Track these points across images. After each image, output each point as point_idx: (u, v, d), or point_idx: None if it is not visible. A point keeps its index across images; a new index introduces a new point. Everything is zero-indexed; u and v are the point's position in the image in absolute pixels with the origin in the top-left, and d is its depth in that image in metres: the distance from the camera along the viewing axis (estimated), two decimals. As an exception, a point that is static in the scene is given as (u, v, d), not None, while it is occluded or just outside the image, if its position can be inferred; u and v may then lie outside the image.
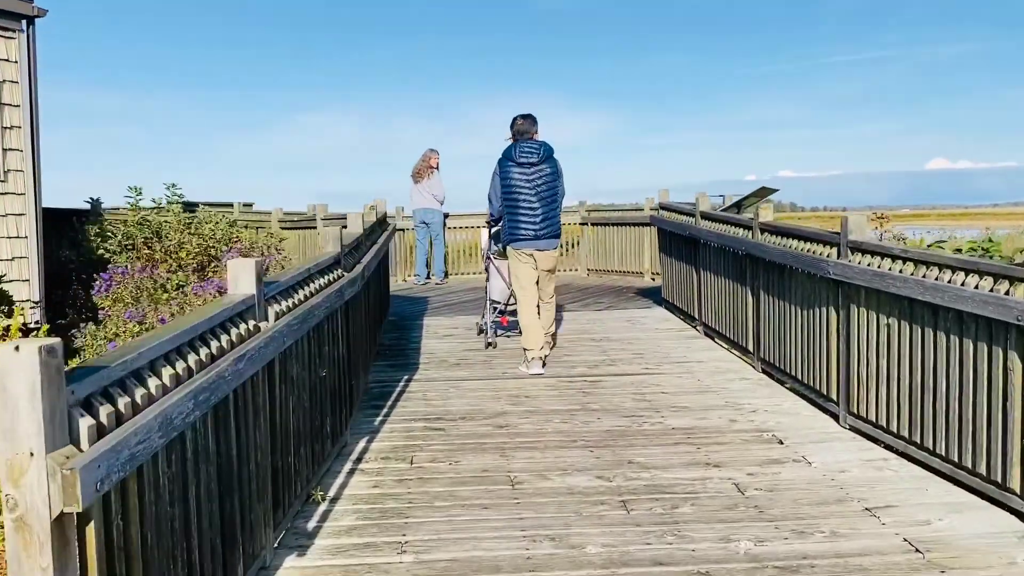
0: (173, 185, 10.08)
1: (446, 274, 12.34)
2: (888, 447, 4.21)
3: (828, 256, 4.72)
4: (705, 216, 7.07)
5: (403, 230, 12.53)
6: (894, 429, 4.14)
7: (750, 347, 6.13)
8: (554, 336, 6.73)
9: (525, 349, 6.05)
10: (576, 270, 12.73)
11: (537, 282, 6.11)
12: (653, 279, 11.12)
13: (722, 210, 8.17)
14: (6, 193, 7.07)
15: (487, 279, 7.14)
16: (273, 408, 3.17)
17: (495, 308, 7.02)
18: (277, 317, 3.23)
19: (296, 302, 3.61)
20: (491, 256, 7.04)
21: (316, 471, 3.84)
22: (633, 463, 4.10)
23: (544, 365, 6.05)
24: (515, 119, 6.16)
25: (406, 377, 6.01)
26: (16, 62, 7.08)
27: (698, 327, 7.39)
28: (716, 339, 6.92)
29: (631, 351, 6.67)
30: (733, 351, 6.53)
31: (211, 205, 14.74)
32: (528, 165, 5.94)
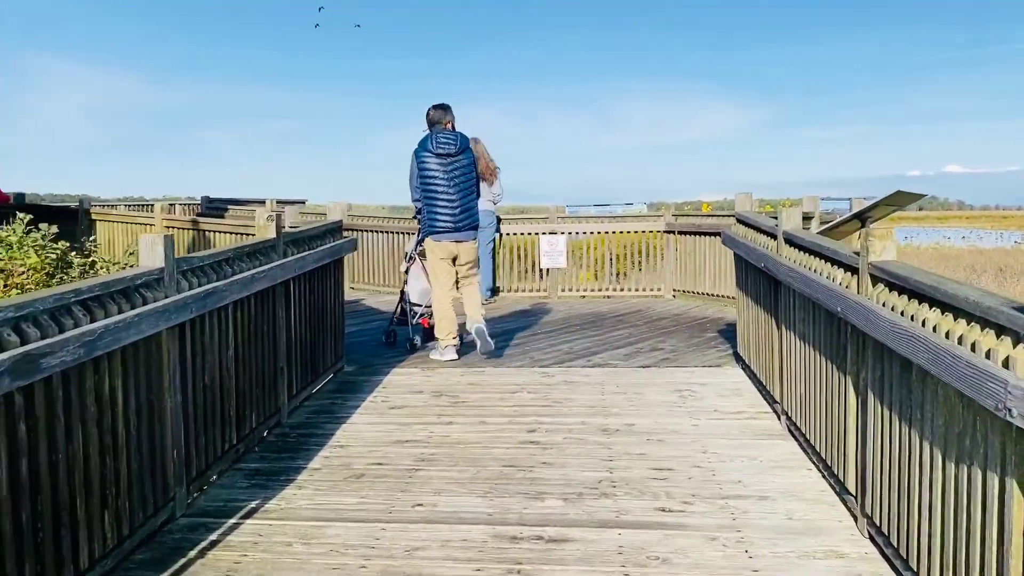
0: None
1: (495, 291, 9.96)
2: None
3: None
4: (791, 240, 4.35)
5: (445, 236, 10.25)
6: None
7: (850, 484, 3.43)
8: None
9: (439, 337, 6.22)
10: (658, 291, 10.04)
11: (456, 274, 6.20)
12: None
13: (825, 230, 5.36)
14: None
15: (405, 281, 6.93)
16: None
17: (415, 311, 6.80)
18: None
19: None
20: (415, 255, 6.79)
21: None
22: None
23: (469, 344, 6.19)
24: (429, 109, 6.15)
25: (253, 504, 3.68)
26: None
27: (779, 416, 4.68)
28: (801, 444, 4.22)
29: (653, 462, 4.07)
30: (826, 478, 3.82)
31: (237, 203, 13.02)
32: (445, 156, 5.92)
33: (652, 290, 10.08)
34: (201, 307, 3.56)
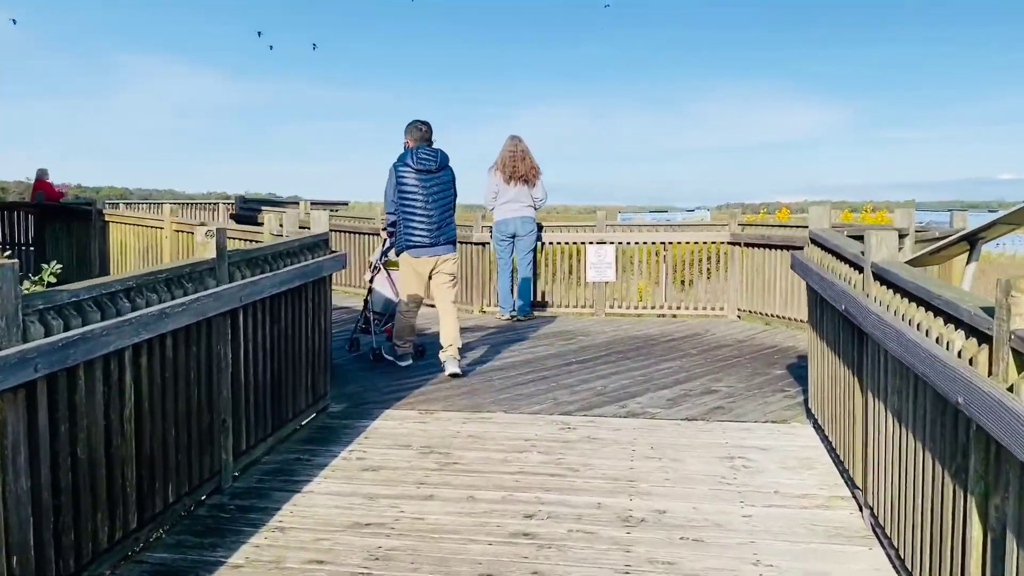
0: None
1: (531, 306, 8.93)
2: None
3: None
4: (884, 277, 3.18)
5: (482, 244, 9.24)
6: None
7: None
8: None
9: (395, 342, 6.32)
10: (720, 310, 8.84)
11: (428, 290, 6.17)
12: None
13: (924, 254, 4.14)
14: None
15: (369, 290, 6.85)
16: None
17: (379, 321, 6.75)
18: None
19: None
20: (380, 265, 6.77)
21: None
22: None
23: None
24: (417, 125, 6.12)
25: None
26: None
27: (861, 507, 3.52)
28: (892, 557, 3.06)
29: (682, 578, 2.99)
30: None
31: (269, 203, 12.33)
32: (426, 172, 5.93)
33: (714, 309, 8.88)
34: (59, 360, 2.63)
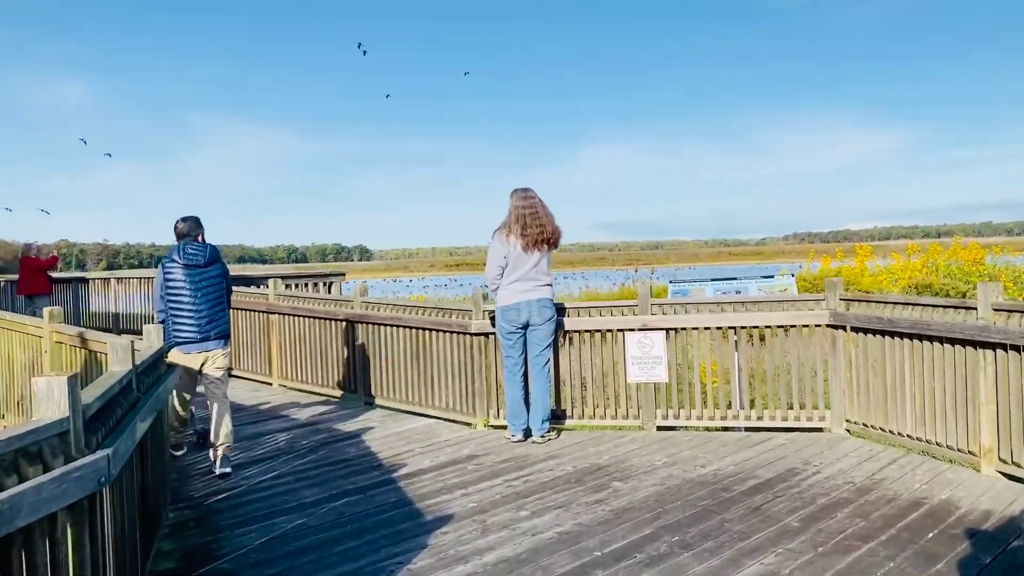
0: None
1: (552, 419, 6.46)
2: None
3: None
4: None
5: (484, 335, 6.82)
6: None
7: None
8: None
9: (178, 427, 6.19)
10: (820, 421, 6.22)
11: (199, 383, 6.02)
12: (1013, 500, 4.49)
13: None
14: None
15: None
16: None
17: None
18: None
19: None
20: None
21: None
22: None
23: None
24: (176, 222, 6.02)
25: None
26: None
27: None
28: None
29: None
30: None
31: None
32: (194, 267, 5.87)
33: (810, 419, 6.26)
34: None
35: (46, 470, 2.29)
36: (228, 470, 5.75)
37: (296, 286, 12.18)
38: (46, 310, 6.07)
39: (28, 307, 16.01)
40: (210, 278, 5.90)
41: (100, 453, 2.46)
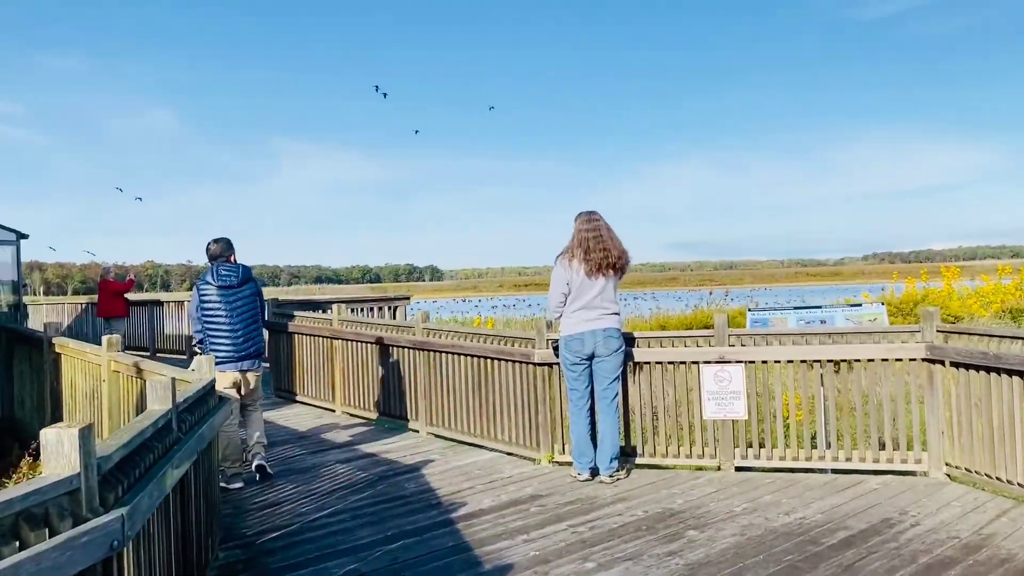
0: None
1: (622, 456, 6.09)
2: None
3: None
4: None
5: (547, 365, 6.49)
6: None
7: None
8: None
9: (223, 466, 5.90)
10: (916, 464, 5.69)
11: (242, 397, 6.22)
12: None
13: None
14: None
15: None
16: None
17: None
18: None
19: None
20: None
21: None
22: None
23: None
24: (209, 244, 6.24)
25: None
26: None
27: None
28: None
29: None
30: None
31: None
32: (227, 287, 6.04)
33: (905, 461, 5.74)
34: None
35: (52, 534, 2.07)
36: (263, 463, 6.21)
37: (361, 310, 12.08)
38: (104, 338, 6.00)
39: (105, 330, 16.38)
40: (243, 297, 6.10)
41: (113, 514, 2.22)
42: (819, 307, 6.64)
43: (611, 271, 5.82)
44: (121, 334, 16.27)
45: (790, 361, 5.98)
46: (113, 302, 15.94)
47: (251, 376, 6.20)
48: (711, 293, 31.43)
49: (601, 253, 5.80)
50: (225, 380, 6.01)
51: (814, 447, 6.02)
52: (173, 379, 3.45)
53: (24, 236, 16.65)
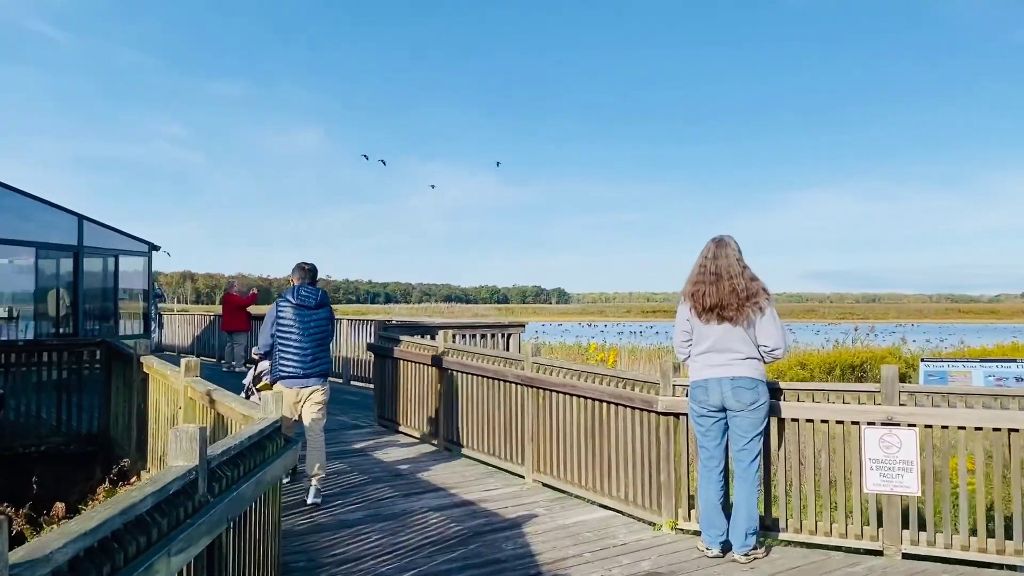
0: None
1: (761, 531, 5.08)
2: None
3: None
4: None
5: (673, 415, 5.55)
6: None
7: None
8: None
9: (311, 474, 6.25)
10: None
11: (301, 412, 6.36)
12: None
13: None
14: None
15: None
16: None
17: None
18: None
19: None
20: (252, 387, 6.89)
21: None
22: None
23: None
24: (301, 266, 6.54)
25: None
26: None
27: None
28: None
29: None
30: None
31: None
32: (304, 308, 6.27)
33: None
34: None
35: None
36: (319, 500, 6.14)
37: (473, 337, 11.41)
38: (183, 361, 5.52)
39: (227, 343, 16.47)
40: (318, 320, 6.30)
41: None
42: (1014, 361, 5.39)
43: (721, 318, 4.84)
44: (243, 348, 16.36)
45: (978, 428, 4.81)
46: (236, 316, 15.99)
47: (315, 394, 6.34)
48: (856, 328, 29.19)
49: (702, 296, 4.86)
50: (289, 395, 6.20)
51: (1008, 537, 4.81)
52: (202, 429, 2.78)
53: (156, 247, 17.04)
